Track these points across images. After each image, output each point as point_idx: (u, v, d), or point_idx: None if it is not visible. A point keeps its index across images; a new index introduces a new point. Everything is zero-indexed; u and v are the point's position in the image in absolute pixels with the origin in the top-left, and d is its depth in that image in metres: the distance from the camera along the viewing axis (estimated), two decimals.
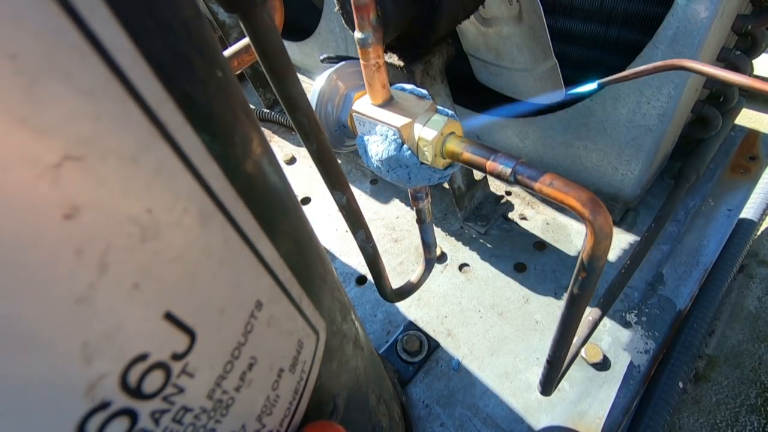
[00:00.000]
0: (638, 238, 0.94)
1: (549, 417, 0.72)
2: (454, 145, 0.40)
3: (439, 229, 1.04)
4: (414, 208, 0.58)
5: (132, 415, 0.18)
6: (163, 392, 0.19)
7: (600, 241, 0.32)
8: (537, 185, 0.34)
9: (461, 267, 0.96)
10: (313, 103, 0.49)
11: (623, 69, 0.78)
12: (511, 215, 1.04)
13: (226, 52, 0.59)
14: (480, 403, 0.74)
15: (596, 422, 0.70)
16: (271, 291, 0.24)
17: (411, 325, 0.86)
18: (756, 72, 1.00)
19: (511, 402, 0.74)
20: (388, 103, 0.44)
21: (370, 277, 0.62)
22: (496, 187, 1.09)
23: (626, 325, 0.82)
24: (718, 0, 0.63)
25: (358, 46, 0.40)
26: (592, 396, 0.73)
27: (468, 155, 0.39)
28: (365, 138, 0.45)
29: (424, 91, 0.45)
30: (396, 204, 1.12)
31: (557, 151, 0.99)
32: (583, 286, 0.36)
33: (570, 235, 0.98)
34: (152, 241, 0.17)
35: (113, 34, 0.14)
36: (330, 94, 0.50)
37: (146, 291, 0.17)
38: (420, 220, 0.60)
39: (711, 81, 0.88)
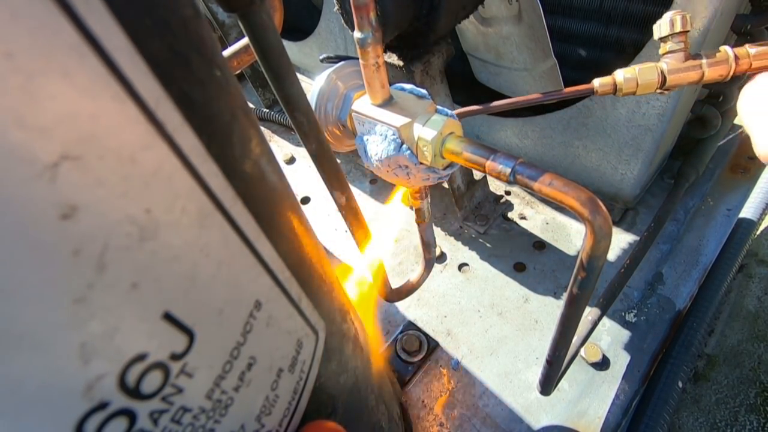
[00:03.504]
0: (638, 238, 0.94)
1: (548, 416, 0.72)
2: (453, 145, 0.40)
3: (439, 229, 1.04)
4: (413, 208, 0.58)
5: (130, 415, 0.18)
6: (161, 392, 0.19)
7: (599, 240, 0.32)
8: (536, 185, 0.34)
9: (461, 267, 0.96)
10: (312, 103, 0.49)
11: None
12: (510, 215, 1.04)
13: (226, 52, 0.59)
14: (479, 403, 0.74)
15: (596, 422, 0.70)
16: (270, 291, 0.24)
17: (410, 325, 0.86)
18: None
19: (510, 402, 0.74)
20: (388, 103, 0.44)
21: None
22: (496, 186, 1.09)
23: (626, 324, 0.82)
24: (717, 0, 0.63)
25: (357, 46, 0.40)
26: (591, 395, 0.73)
27: (467, 155, 0.39)
28: (364, 138, 0.45)
29: (424, 91, 0.45)
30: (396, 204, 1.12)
31: (557, 151, 0.99)
32: (582, 285, 0.36)
33: (569, 235, 0.98)
34: (151, 241, 0.17)
35: (111, 32, 0.14)
36: (329, 93, 0.50)
37: (145, 291, 0.17)
38: (419, 220, 0.60)
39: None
